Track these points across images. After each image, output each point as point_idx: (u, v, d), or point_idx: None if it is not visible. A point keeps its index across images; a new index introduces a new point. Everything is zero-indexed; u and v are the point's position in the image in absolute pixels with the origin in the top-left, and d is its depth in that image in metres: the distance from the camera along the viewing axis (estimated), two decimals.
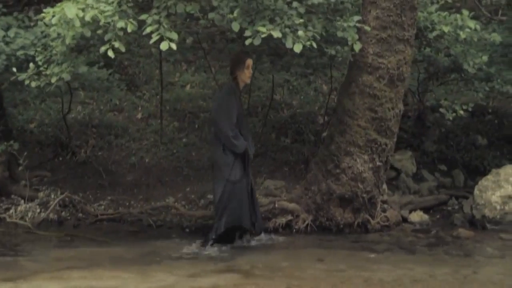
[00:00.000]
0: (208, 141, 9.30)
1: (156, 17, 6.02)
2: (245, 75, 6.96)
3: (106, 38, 5.99)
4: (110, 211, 7.95)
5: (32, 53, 7.08)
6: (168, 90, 10.83)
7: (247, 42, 6.08)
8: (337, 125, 7.45)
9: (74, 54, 6.80)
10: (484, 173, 8.61)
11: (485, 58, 8.18)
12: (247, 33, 6.08)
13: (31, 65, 6.81)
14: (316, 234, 7.36)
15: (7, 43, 7.31)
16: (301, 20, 6.22)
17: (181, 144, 9.52)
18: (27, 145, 9.08)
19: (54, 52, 6.72)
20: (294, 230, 7.43)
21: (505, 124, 10.29)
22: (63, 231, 7.52)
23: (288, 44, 6.07)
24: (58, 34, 6.40)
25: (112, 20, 5.95)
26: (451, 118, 8.17)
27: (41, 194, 8.16)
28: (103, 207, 8.09)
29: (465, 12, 7.75)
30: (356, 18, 6.72)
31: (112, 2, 6.04)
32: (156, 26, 5.95)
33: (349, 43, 6.71)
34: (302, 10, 6.38)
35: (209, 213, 7.66)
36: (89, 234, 7.36)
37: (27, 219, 7.78)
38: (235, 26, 6.11)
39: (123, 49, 5.99)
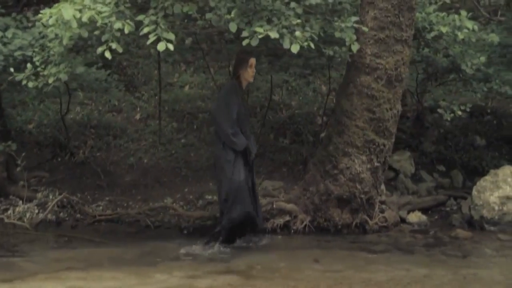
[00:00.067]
0: (207, 141, 9.32)
1: (153, 18, 6.02)
2: (249, 74, 6.97)
3: (103, 39, 5.99)
4: (108, 212, 7.94)
5: (30, 53, 7.11)
6: (167, 91, 10.83)
7: (244, 42, 6.09)
8: (335, 125, 7.45)
9: (71, 55, 6.80)
10: (483, 173, 8.58)
11: (483, 58, 8.17)
12: (245, 33, 6.08)
13: (29, 65, 6.83)
14: (314, 234, 7.35)
15: (5, 44, 7.33)
16: (299, 21, 6.22)
17: (179, 145, 9.51)
18: (26, 146, 9.08)
19: (51, 52, 6.73)
20: (292, 231, 7.42)
21: (503, 124, 10.27)
22: (61, 232, 7.52)
23: (286, 45, 6.07)
24: (56, 34, 6.41)
25: (109, 21, 5.94)
26: (449, 119, 8.17)
27: (39, 195, 8.15)
28: (101, 207, 8.09)
29: (463, 13, 7.75)
30: (354, 18, 6.71)
31: (109, 3, 6.04)
32: (153, 26, 5.95)
33: (347, 43, 6.71)
34: (299, 10, 6.38)
35: (207, 214, 7.67)
36: (87, 235, 7.36)
37: (25, 220, 7.77)
38: (233, 27, 6.11)
39: (120, 50, 6.00)
